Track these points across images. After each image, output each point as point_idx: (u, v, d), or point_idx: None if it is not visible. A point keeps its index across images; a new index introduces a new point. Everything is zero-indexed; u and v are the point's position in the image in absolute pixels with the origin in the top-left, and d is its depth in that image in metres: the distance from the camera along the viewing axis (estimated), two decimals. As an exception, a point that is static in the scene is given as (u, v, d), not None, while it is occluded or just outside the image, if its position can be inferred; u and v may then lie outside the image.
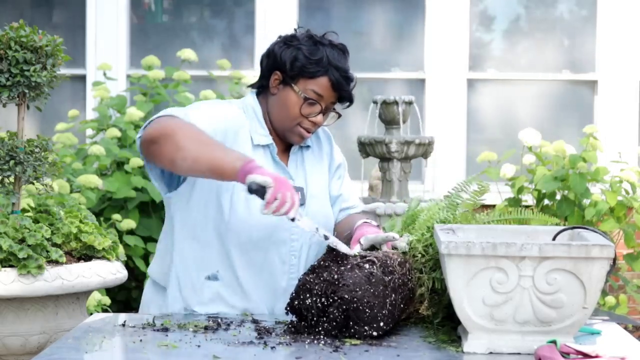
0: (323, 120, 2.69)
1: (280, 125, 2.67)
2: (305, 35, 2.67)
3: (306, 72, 2.63)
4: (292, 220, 2.35)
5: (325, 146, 2.82)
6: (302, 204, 2.65)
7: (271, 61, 2.67)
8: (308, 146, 2.77)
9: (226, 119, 2.63)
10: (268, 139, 2.67)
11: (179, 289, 2.66)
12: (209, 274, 2.64)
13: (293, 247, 2.66)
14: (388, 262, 2.34)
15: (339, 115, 2.72)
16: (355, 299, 2.25)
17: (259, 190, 2.31)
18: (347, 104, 2.71)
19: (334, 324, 2.28)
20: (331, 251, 2.41)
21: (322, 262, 2.37)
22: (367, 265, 2.31)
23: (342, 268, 2.32)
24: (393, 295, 2.30)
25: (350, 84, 2.67)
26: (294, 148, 2.74)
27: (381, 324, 2.26)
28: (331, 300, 2.27)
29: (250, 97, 2.72)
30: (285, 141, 2.72)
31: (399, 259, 2.39)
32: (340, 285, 2.27)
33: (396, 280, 2.32)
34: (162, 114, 2.53)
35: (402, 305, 2.36)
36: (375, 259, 2.34)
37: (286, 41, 2.67)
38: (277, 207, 2.31)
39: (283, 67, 2.64)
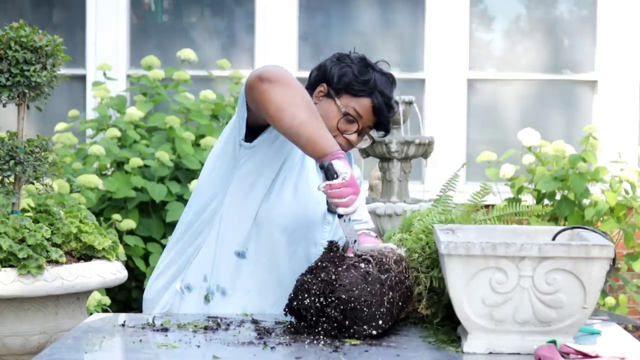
0: (357, 142, 2.73)
1: None
2: (358, 57, 2.74)
3: (351, 90, 2.69)
4: (340, 217, 2.40)
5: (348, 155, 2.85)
6: (334, 212, 2.68)
7: (320, 73, 2.74)
8: None
9: None
10: None
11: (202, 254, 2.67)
12: (238, 250, 2.64)
13: (320, 251, 2.68)
14: (383, 260, 2.35)
15: (373, 141, 2.77)
16: (352, 299, 2.25)
17: (329, 171, 2.34)
18: (383, 133, 2.77)
19: (334, 324, 2.28)
20: (329, 252, 2.42)
21: (320, 263, 2.37)
22: (362, 265, 2.31)
23: (340, 269, 2.32)
24: (390, 293, 2.30)
25: (390, 112, 2.73)
26: None
27: (380, 322, 2.27)
28: (329, 300, 2.28)
29: None
30: None
31: (394, 257, 2.39)
32: (337, 285, 2.27)
33: (393, 278, 2.32)
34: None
35: (400, 304, 2.36)
36: (370, 258, 2.34)
37: (339, 58, 2.74)
38: (334, 194, 2.33)
39: (330, 80, 2.70)
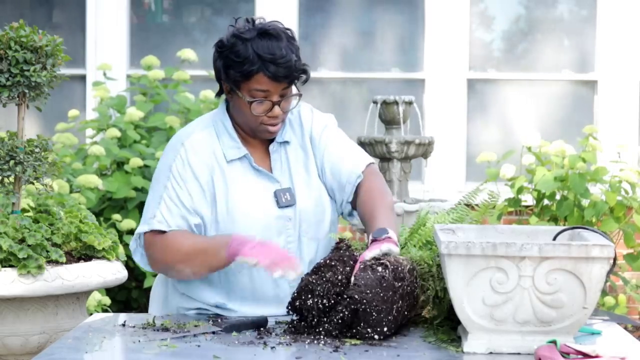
0: (284, 108, 2.63)
1: (247, 128, 2.65)
2: (230, 36, 2.62)
3: (242, 76, 2.58)
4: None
5: (299, 130, 2.74)
6: (292, 204, 2.65)
7: (216, 74, 2.66)
8: (287, 141, 2.71)
9: (198, 174, 2.61)
10: (241, 151, 2.64)
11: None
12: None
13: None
14: (399, 268, 2.34)
15: (300, 95, 2.66)
16: (364, 301, 2.24)
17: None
18: (304, 78, 2.64)
19: (340, 322, 2.27)
20: (337, 250, 2.41)
21: (327, 261, 2.36)
22: (379, 269, 2.30)
23: (348, 269, 2.32)
24: (400, 302, 2.30)
25: (290, 67, 2.58)
26: (273, 146, 2.68)
27: (385, 329, 2.26)
28: (340, 298, 2.28)
29: (220, 111, 2.70)
30: (260, 140, 2.68)
31: (409, 266, 2.39)
32: (352, 284, 2.27)
33: (405, 287, 2.32)
34: (145, 229, 2.58)
35: (405, 313, 2.36)
36: (388, 263, 2.33)
37: (217, 49, 2.64)
38: (280, 274, 2.45)
39: (223, 78, 2.63)
